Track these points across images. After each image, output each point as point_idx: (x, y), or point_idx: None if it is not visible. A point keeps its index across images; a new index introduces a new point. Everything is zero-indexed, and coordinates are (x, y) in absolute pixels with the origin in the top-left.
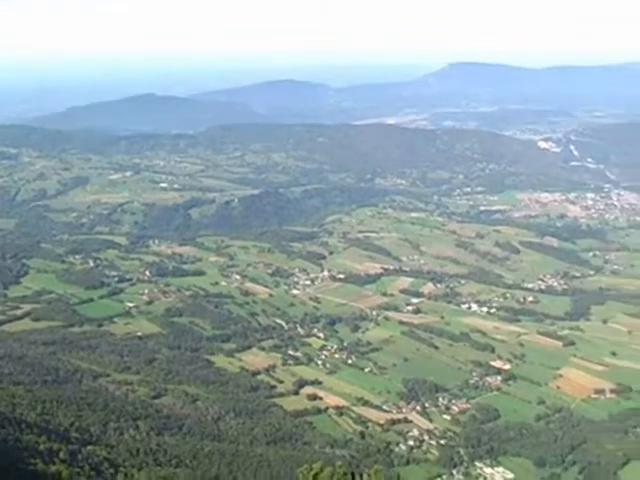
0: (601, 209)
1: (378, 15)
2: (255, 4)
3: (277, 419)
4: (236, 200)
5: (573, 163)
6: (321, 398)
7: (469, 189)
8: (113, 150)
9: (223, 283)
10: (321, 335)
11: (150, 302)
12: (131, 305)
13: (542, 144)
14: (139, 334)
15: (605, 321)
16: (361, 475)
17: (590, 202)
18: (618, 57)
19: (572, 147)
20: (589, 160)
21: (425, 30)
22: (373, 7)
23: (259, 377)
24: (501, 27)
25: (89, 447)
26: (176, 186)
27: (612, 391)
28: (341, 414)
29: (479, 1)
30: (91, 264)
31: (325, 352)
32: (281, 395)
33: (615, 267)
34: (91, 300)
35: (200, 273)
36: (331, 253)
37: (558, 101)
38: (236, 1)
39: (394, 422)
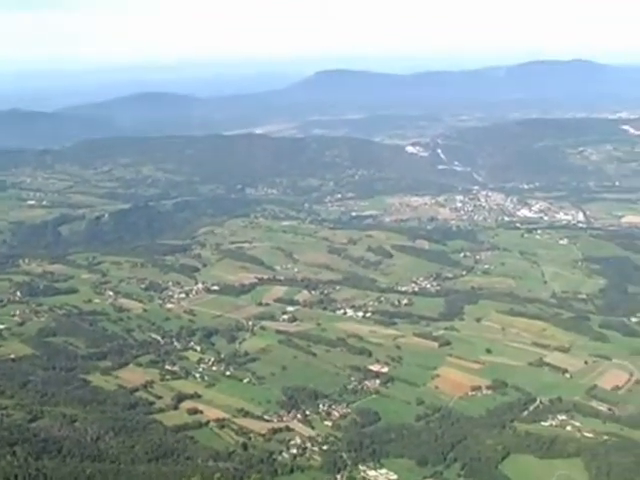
0: (470, 211)
1: (242, 26)
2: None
3: (158, 435)
4: (106, 215)
5: (441, 166)
6: (201, 411)
7: (340, 195)
8: None
9: (96, 300)
10: (198, 348)
11: (22, 323)
12: (2, 327)
13: (410, 149)
14: (12, 356)
15: (479, 320)
16: None
17: (459, 204)
18: (479, 62)
19: (439, 151)
20: (456, 163)
21: (290, 39)
22: (239, 18)
23: (137, 394)
24: (365, 35)
25: None
26: (44, 203)
27: (488, 387)
28: (222, 426)
29: (342, 9)
30: None
31: (203, 365)
32: (161, 411)
33: (486, 266)
34: None
35: (73, 291)
36: (205, 265)
37: (425, 106)
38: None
39: (276, 431)
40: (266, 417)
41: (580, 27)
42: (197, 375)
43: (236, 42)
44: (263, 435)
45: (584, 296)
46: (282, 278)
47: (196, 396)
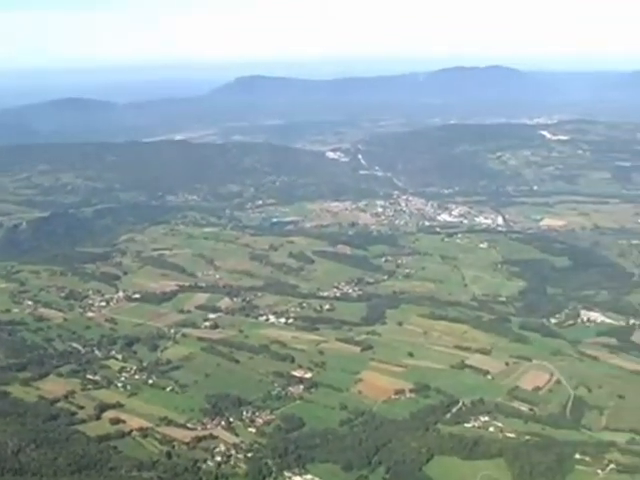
0: (391, 215)
1: (162, 30)
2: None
3: (81, 446)
4: (24, 223)
5: (362, 172)
6: (124, 421)
7: (261, 202)
8: None
9: (15, 310)
10: (119, 357)
11: None
12: None
13: (330, 154)
14: None
15: (400, 324)
16: None
17: (380, 209)
18: (399, 68)
19: (360, 156)
20: (377, 168)
21: (213, 44)
22: (162, 23)
23: (58, 405)
24: (286, 40)
25: None
26: None
27: (411, 390)
28: (146, 436)
29: (266, 15)
30: None
31: (125, 374)
32: (83, 421)
33: (407, 271)
34: None
35: None
36: (125, 273)
37: (344, 112)
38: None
39: (200, 439)
40: (190, 425)
41: (498, 34)
42: (119, 384)
43: (158, 47)
44: (187, 443)
45: (504, 298)
46: (204, 285)
47: (118, 405)
